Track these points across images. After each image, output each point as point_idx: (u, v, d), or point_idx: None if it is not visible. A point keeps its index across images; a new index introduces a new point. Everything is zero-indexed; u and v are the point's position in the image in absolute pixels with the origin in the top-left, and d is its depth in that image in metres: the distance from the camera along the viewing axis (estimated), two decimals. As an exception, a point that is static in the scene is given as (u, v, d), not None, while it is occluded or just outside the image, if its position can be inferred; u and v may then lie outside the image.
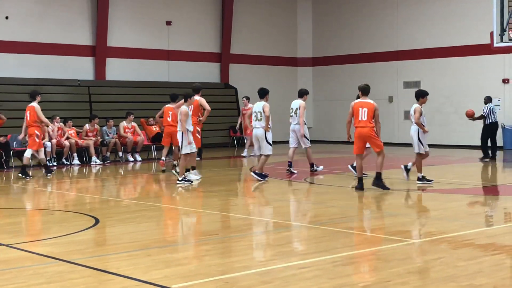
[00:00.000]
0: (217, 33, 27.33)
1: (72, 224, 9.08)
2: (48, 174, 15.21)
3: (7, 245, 7.56)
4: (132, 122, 19.82)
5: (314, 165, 15.53)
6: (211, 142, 25.10)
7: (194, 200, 11.88)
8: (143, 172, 17.58)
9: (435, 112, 25.07)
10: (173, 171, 14.86)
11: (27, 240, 7.90)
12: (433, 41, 25.45)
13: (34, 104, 14.88)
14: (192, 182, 13.56)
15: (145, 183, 15.43)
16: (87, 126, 19.16)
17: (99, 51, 23.91)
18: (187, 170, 13.86)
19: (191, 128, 13.36)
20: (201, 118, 15.02)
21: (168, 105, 16.32)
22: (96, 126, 19.25)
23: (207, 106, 14.73)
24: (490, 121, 18.94)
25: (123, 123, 19.68)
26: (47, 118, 18.89)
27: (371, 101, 12.11)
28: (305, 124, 15.48)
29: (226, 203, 11.74)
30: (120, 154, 19.35)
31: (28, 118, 14.90)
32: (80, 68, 23.56)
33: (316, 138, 28.01)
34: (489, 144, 19.20)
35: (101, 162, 18.52)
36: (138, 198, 12.46)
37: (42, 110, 18.54)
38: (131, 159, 19.15)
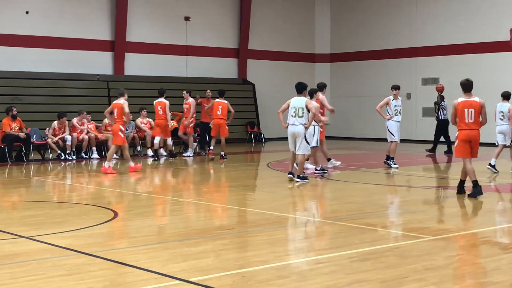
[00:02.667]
0: (235, 28, 27.37)
1: (91, 217, 9.17)
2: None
3: (27, 237, 7.65)
4: (146, 118, 19.89)
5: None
6: (228, 137, 25.08)
7: (212, 195, 11.93)
8: (163, 166, 17.66)
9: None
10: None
11: (47, 233, 7.99)
12: (452, 37, 25.31)
13: (122, 101, 15.06)
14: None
15: (163, 177, 15.51)
16: (106, 120, 19.28)
17: (118, 46, 24.04)
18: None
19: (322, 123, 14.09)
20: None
21: (217, 100, 17.91)
22: (114, 121, 19.35)
23: (328, 106, 15.20)
24: None
25: (139, 119, 19.76)
26: (68, 112, 19.12)
27: (477, 99, 10.80)
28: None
29: (243, 197, 11.79)
30: (138, 148, 19.44)
31: (116, 115, 15.12)
32: (99, 63, 23.70)
33: (333, 135, 27.98)
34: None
35: (117, 156, 18.61)
36: (155, 192, 12.54)
37: (61, 104, 18.82)
38: (151, 153, 19.20)
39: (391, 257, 6.69)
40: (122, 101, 15.04)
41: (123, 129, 15.06)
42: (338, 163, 15.64)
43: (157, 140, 18.27)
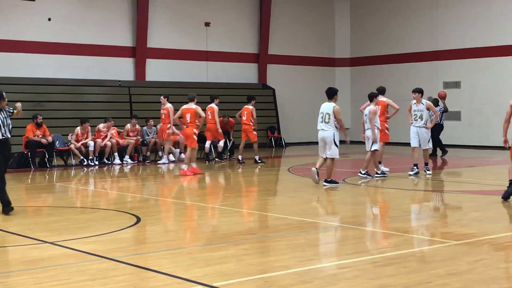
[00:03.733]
0: (255, 34, 27.42)
1: (114, 222, 9.23)
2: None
3: (51, 243, 7.72)
4: None
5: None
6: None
7: (233, 200, 11.95)
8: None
9: (475, 113, 24.78)
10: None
11: (70, 238, 8.05)
12: (474, 40, 25.15)
13: (194, 105, 15.67)
14: (386, 174, 14.33)
15: (183, 183, 15.56)
16: (128, 126, 19.41)
17: (139, 52, 24.20)
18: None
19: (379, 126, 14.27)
20: (388, 115, 15.53)
21: (246, 106, 18.37)
22: (137, 126, 19.48)
23: (395, 106, 15.45)
24: None
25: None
26: (90, 118, 19.26)
27: None
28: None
29: (264, 202, 11.79)
30: (160, 153, 19.54)
31: (188, 119, 15.78)
32: (121, 69, 23.88)
33: (354, 139, 27.85)
34: None
35: (132, 162, 18.73)
36: (177, 197, 12.59)
37: (83, 110, 18.98)
38: (172, 158, 19.30)
39: (414, 262, 6.66)
40: (194, 106, 15.66)
41: (196, 132, 15.71)
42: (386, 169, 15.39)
43: (207, 144, 18.74)
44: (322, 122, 13.02)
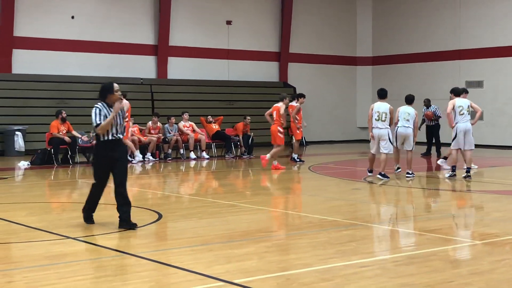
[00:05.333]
0: (276, 32, 27.42)
1: (136, 218, 9.26)
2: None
3: (74, 238, 7.81)
4: (189, 121, 20.03)
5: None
6: (269, 140, 25.11)
7: (254, 198, 11.98)
8: (205, 169, 17.81)
9: (498, 113, 24.57)
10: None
11: (93, 234, 8.14)
12: (497, 40, 24.93)
13: (281, 104, 16.29)
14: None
15: (205, 180, 15.63)
16: (150, 123, 19.51)
17: (161, 50, 24.31)
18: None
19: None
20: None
21: (276, 104, 17.59)
22: (159, 124, 19.57)
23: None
24: None
25: (181, 123, 19.92)
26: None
27: None
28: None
29: (285, 200, 11.81)
30: (182, 151, 19.63)
31: (275, 117, 16.53)
32: (143, 67, 24.01)
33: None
34: None
35: (153, 159, 18.80)
36: (198, 194, 12.64)
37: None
38: (193, 156, 19.38)
39: (436, 261, 6.63)
40: (279, 104, 16.13)
41: (281, 130, 15.90)
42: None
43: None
44: (378, 120, 13.81)
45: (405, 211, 10.41)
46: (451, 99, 14.10)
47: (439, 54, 26.77)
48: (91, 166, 8.57)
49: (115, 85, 8.50)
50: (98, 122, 8.19)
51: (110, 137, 8.27)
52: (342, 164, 18.70)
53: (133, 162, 17.75)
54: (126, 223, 8.32)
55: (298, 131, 18.39)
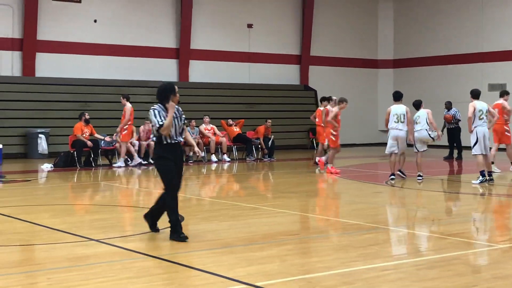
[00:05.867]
0: (297, 35, 27.42)
1: (158, 221, 9.32)
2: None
3: (96, 240, 7.86)
4: (210, 124, 20.09)
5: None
6: (290, 143, 25.21)
7: (275, 201, 11.98)
8: (226, 172, 17.84)
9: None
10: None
11: (115, 236, 8.18)
12: (521, 42, 24.69)
13: (334, 108, 16.11)
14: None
15: (226, 183, 15.66)
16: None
17: (183, 53, 24.42)
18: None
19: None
20: (506, 117, 15.50)
21: (318, 108, 18.20)
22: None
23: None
24: None
25: (202, 125, 19.99)
26: (135, 118, 19.43)
27: None
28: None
29: (306, 204, 11.80)
30: (203, 154, 19.68)
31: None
32: (164, 70, 24.13)
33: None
34: None
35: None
36: (219, 197, 12.67)
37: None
38: (215, 159, 19.43)
39: (459, 265, 6.59)
40: (328, 107, 16.06)
41: (334, 133, 15.81)
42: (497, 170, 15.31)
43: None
44: (398, 122, 14.07)
45: (427, 215, 10.35)
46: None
47: (461, 57, 26.58)
48: (158, 173, 7.93)
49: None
50: (161, 122, 7.73)
51: (172, 140, 7.85)
52: (364, 167, 18.64)
53: (129, 164, 17.79)
54: (154, 228, 8.23)
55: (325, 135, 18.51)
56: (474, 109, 13.55)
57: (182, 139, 8.00)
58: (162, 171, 7.92)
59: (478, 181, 13.44)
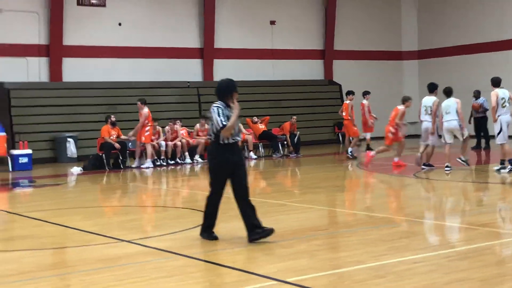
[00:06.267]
0: (320, 30, 27.35)
1: (187, 220, 9.41)
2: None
3: (128, 241, 7.95)
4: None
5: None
6: (316, 138, 25.15)
7: (303, 196, 12.00)
8: (252, 169, 17.89)
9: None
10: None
11: (146, 236, 8.28)
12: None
13: (401, 107, 15.97)
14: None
15: (253, 180, 15.70)
16: (198, 125, 19.69)
17: (207, 53, 24.52)
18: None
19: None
20: None
21: (344, 101, 18.80)
22: (207, 126, 19.71)
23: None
24: None
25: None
26: (161, 119, 19.53)
27: None
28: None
29: (333, 198, 11.80)
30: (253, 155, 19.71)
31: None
32: (189, 70, 24.25)
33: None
34: None
35: (202, 160, 18.87)
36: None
37: (154, 111, 19.35)
38: (254, 156, 19.49)
39: (490, 256, 6.56)
40: (399, 107, 15.95)
41: (393, 130, 15.73)
42: None
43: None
44: (425, 114, 14.35)
45: (455, 206, 10.29)
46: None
47: (486, 45, 26.29)
48: (208, 173, 7.66)
49: None
50: (224, 123, 7.33)
51: (231, 140, 7.46)
52: (391, 160, 18.55)
53: (142, 166, 17.69)
54: (260, 230, 7.51)
55: (355, 128, 18.68)
56: (497, 97, 13.42)
57: (240, 138, 7.73)
58: (213, 174, 7.66)
59: (508, 170, 13.29)
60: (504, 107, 13.46)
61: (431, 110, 14.22)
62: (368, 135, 20.72)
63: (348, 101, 18.84)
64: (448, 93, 14.26)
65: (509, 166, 13.35)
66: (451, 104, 14.07)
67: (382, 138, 27.15)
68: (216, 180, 7.67)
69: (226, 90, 7.51)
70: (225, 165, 7.52)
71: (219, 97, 7.52)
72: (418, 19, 29.04)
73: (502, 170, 13.47)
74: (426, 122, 14.42)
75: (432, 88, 14.56)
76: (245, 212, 7.66)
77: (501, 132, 13.42)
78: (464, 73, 26.69)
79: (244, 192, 7.68)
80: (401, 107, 15.74)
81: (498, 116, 13.39)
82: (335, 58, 27.50)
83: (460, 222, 8.74)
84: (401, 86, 29.30)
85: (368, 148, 20.17)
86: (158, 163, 18.27)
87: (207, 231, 7.78)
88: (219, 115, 7.37)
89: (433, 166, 14.46)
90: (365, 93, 20.89)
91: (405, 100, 15.92)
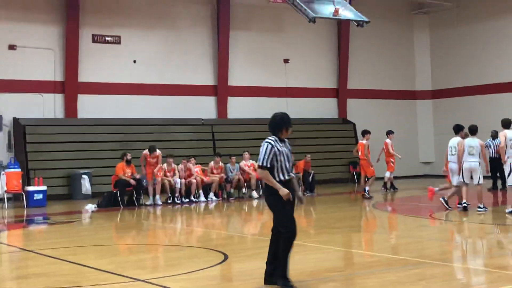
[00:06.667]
0: (334, 68, 27.49)
1: (202, 259, 9.36)
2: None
3: (143, 280, 7.90)
4: (250, 160, 20.14)
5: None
6: (330, 177, 25.09)
7: (318, 237, 11.91)
8: (267, 208, 17.81)
9: None
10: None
11: (161, 276, 8.22)
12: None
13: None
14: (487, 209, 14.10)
15: (268, 219, 15.60)
16: (212, 163, 19.70)
17: (221, 90, 24.67)
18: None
19: None
20: None
21: (360, 141, 19.12)
22: (221, 164, 19.75)
23: None
24: None
25: (243, 162, 20.05)
26: (176, 156, 19.52)
27: None
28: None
29: (350, 239, 11.70)
30: (244, 190, 19.71)
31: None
32: (204, 108, 24.38)
33: (438, 173, 27.28)
34: None
35: (216, 199, 18.93)
36: (263, 234, 12.63)
37: (168, 149, 19.39)
38: (256, 195, 19.44)
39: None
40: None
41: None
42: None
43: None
44: (451, 155, 14.39)
45: (474, 248, 10.17)
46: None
47: (500, 86, 26.27)
48: (274, 211, 7.28)
49: None
50: (264, 164, 7.10)
51: (286, 176, 7.20)
52: (406, 200, 18.46)
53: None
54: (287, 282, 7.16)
55: (372, 168, 18.56)
56: (505, 138, 13.40)
57: (293, 175, 7.37)
58: (281, 211, 7.24)
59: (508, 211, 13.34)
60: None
61: (455, 151, 14.15)
62: (390, 174, 20.60)
63: (364, 141, 18.81)
64: (473, 131, 14.22)
65: None
66: (475, 145, 13.98)
67: (403, 177, 26.97)
68: (285, 216, 7.26)
69: (279, 125, 7.31)
70: (283, 200, 7.13)
71: (272, 131, 7.32)
72: (431, 59, 29.12)
73: None
74: (451, 163, 14.38)
75: (458, 130, 14.47)
76: (277, 250, 7.35)
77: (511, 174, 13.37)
78: (478, 114, 26.61)
79: (290, 229, 7.32)
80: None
81: (508, 157, 13.36)
82: (349, 97, 27.57)
83: (478, 265, 8.61)
84: (416, 125, 29.30)
85: (392, 187, 20.24)
86: (171, 201, 18.22)
87: (274, 273, 7.32)
88: (265, 153, 7.12)
89: (448, 206, 14.32)
90: (389, 132, 20.91)
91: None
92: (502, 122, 14.00)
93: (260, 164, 7.11)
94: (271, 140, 7.19)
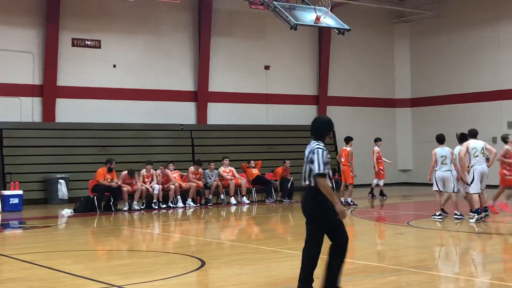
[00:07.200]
0: (314, 76, 27.58)
1: (179, 265, 9.31)
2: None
3: (119, 286, 7.84)
4: (229, 166, 20.11)
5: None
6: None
7: (297, 243, 11.88)
8: (245, 214, 17.79)
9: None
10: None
11: (137, 282, 8.15)
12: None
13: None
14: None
15: (246, 225, 15.60)
16: (191, 168, 19.64)
17: (201, 96, 24.62)
18: None
19: None
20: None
21: (344, 147, 19.09)
22: (200, 170, 19.69)
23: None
24: None
25: (221, 168, 20.02)
26: (155, 162, 19.50)
27: None
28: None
29: (326, 246, 11.66)
30: (222, 196, 19.68)
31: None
32: (183, 113, 24.31)
33: (416, 181, 27.53)
34: None
35: (194, 205, 18.89)
36: (241, 240, 12.61)
37: (147, 154, 19.29)
38: (234, 201, 19.41)
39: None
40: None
41: (507, 173, 15.02)
42: None
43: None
44: (442, 164, 14.18)
45: (450, 255, 10.22)
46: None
47: (479, 95, 26.53)
48: (312, 223, 6.91)
49: None
50: (326, 171, 6.67)
51: (330, 185, 6.79)
52: (384, 208, 18.52)
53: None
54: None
55: (352, 175, 18.65)
56: (467, 148, 13.80)
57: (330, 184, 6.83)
58: (318, 224, 6.97)
59: (474, 220, 13.56)
60: (476, 156, 13.81)
61: (446, 160, 14.10)
62: (380, 182, 20.66)
63: (348, 148, 18.87)
64: (442, 140, 14.34)
65: (476, 216, 13.59)
66: (445, 153, 14.15)
67: (370, 185, 27.25)
68: (318, 230, 6.94)
69: (327, 127, 6.86)
70: (329, 213, 6.75)
71: (317, 135, 6.85)
72: (411, 67, 29.33)
73: (475, 220, 13.60)
74: (440, 172, 14.24)
75: (442, 140, 14.35)
76: (332, 263, 7.17)
77: (474, 181, 13.73)
78: (456, 122, 26.81)
79: (345, 240, 7.14)
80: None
81: (472, 166, 13.62)
82: (329, 104, 27.66)
83: (454, 272, 8.65)
84: (394, 133, 29.47)
85: (382, 194, 20.20)
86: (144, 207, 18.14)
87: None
88: (322, 160, 6.66)
89: (446, 213, 14.46)
90: (377, 140, 21.07)
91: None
92: (469, 132, 14.25)
93: (322, 171, 6.60)
94: (322, 145, 6.74)
